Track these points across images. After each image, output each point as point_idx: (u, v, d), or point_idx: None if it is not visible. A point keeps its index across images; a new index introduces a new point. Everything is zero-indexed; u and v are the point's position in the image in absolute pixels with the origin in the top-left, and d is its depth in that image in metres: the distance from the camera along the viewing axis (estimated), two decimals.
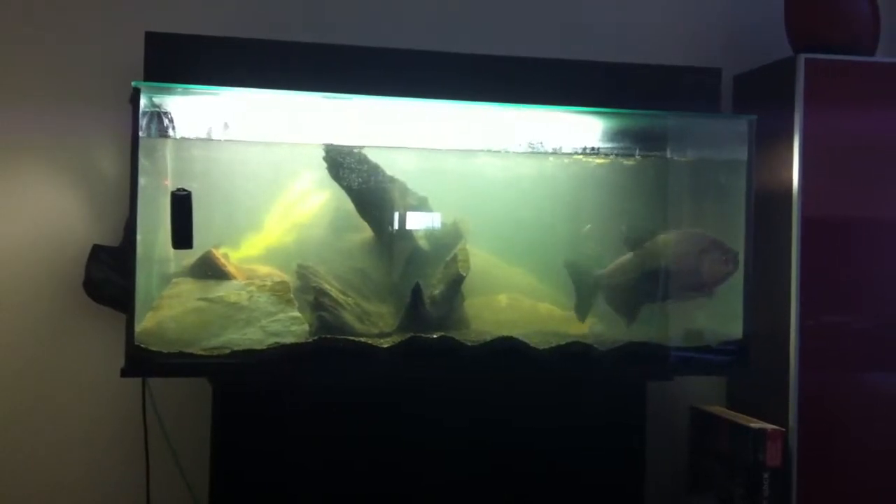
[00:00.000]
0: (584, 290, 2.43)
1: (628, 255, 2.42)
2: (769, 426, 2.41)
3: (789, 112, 2.47)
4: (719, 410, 2.62)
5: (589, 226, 2.46)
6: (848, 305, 2.49)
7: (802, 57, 2.47)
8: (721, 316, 2.38)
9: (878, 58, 2.62)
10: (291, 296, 2.19)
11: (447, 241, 2.34)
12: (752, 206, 2.35)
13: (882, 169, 2.51)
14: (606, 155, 2.44)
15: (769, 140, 2.47)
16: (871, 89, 2.54)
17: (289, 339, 2.10)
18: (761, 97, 2.63)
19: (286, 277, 2.24)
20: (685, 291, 2.37)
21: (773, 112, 2.50)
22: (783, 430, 2.41)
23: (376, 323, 2.24)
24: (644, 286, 2.39)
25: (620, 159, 2.46)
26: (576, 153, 2.43)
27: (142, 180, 2.05)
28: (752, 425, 2.43)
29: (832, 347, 2.47)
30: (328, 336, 2.11)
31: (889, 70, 2.57)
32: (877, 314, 2.50)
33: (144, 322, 2.08)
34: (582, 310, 2.43)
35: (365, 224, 2.34)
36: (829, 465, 2.46)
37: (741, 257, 2.31)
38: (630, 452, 2.40)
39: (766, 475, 2.39)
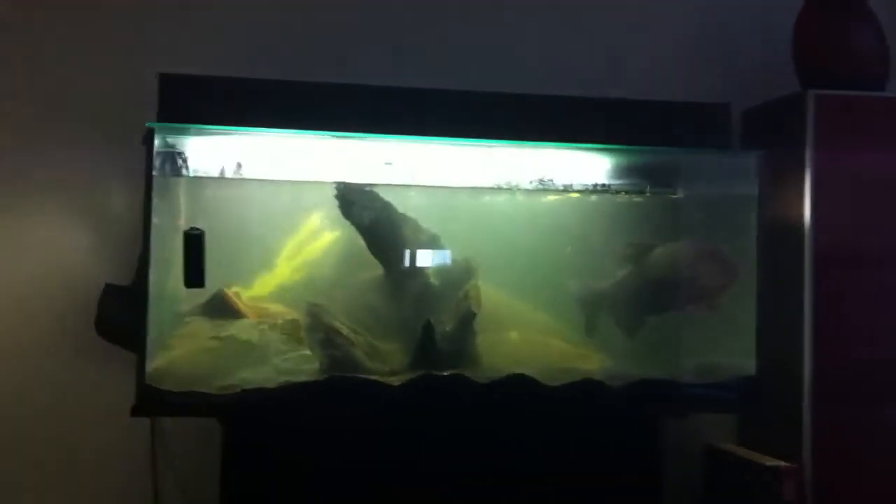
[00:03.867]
0: (590, 309, 2.46)
1: (629, 269, 2.42)
2: (783, 464, 2.39)
3: (800, 147, 2.47)
4: (733, 448, 2.60)
5: (569, 248, 2.47)
6: (861, 340, 2.47)
7: (812, 92, 2.47)
8: (734, 351, 2.37)
9: (889, 93, 2.62)
10: (302, 334, 2.19)
11: (458, 278, 2.33)
12: (762, 241, 2.35)
13: (893, 202, 2.50)
14: (617, 191, 2.44)
15: (780, 175, 2.47)
16: (882, 124, 2.53)
17: (300, 378, 2.10)
18: (771, 132, 2.63)
19: (297, 316, 2.24)
20: (685, 304, 2.37)
21: (783, 147, 2.50)
22: (798, 467, 2.39)
23: (387, 360, 2.23)
24: (645, 299, 2.40)
25: (631, 195, 2.46)
26: (586, 190, 2.43)
27: (154, 219, 2.07)
28: (767, 463, 2.41)
29: (846, 383, 2.44)
30: (339, 374, 2.11)
31: None
32: (890, 348, 2.48)
33: (156, 361, 2.09)
34: (590, 328, 2.45)
35: (376, 262, 2.34)
36: (846, 502, 2.43)
37: (753, 269, 2.32)
38: (644, 491, 2.38)
39: None
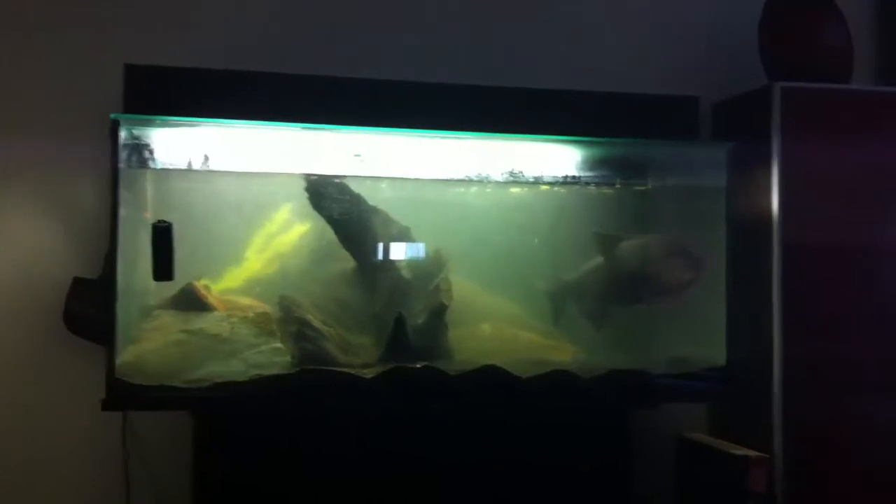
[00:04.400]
0: (554, 297, 2.48)
1: (596, 261, 2.43)
2: (752, 453, 2.41)
3: (767, 139, 2.48)
4: (704, 438, 2.62)
5: (537, 240, 2.49)
6: (830, 331, 2.49)
7: (777, 84, 2.49)
8: (705, 342, 2.39)
9: (853, 85, 2.65)
10: (274, 327, 2.18)
11: (430, 271, 2.33)
12: (731, 234, 2.37)
13: (860, 194, 2.53)
14: (587, 183, 2.45)
15: (748, 167, 2.49)
16: (847, 116, 2.56)
17: (271, 371, 2.08)
18: (739, 125, 2.65)
19: (268, 308, 2.23)
20: (650, 297, 2.38)
21: (751, 139, 2.52)
22: (767, 456, 2.41)
23: (359, 353, 2.23)
24: (611, 291, 2.42)
25: (601, 188, 2.47)
26: (556, 182, 2.44)
27: (122, 212, 2.04)
28: (736, 452, 2.43)
29: (816, 373, 2.46)
30: (311, 367, 2.10)
31: (864, 97, 2.60)
32: (859, 339, 2.51)
33: (125, 355, 2.06)
34: (556, 316, 2.47)
35: (347, 254, 2.33)
36: (815, 492, 2.45)
37: (722, 261, 2.34)
38: (614, 482, 2.40)
39: (751, 503, 2.38)
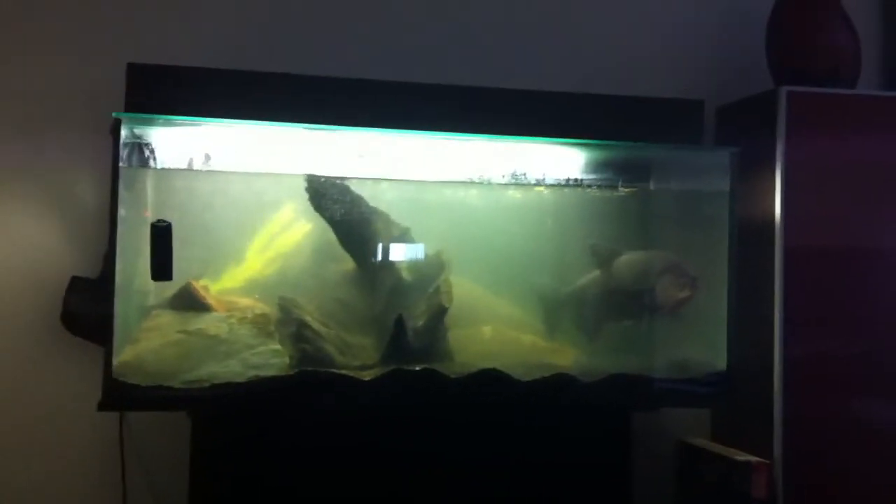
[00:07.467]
0: (551, 309, 2.45)
1: (593, 274, 2.42)
2: (754, 458, 2.39)
3: (771, 143, 2.47)
4: (705, 443, 2.60)
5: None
6: (832, 334, 2.48)
7: (783, 89, 2.48)
8: (706, 346, 2.37)
9: (860, 90, 2.64)
10: (272, 328, 2.16)
11: (430, 273, 2.32)
12: (734, 237, 2.35)
13: (863, 198, 2.52)
14: (589, 186, 2.44)
15: (752, 171, 2.48)
16: (853, 121, 2.55)
17: (269, 372, 2.07)
18: (744, 129, 2.63)
19: (267, 309, 2.22)
20: (644, 313, 2.38)
21: (755, 143, 2.51)
22: (768, 462, 2.40)
23: (358, 355, 2.22)
24: (606, 305, 2.41)
25: (603, 190, 2.46)
26: (559, 184, 2.43)
27: (121, 211, 2.04)
28: (737, 458, 2.41)
29: (817, 377, 2.45)
30: (309, 368, 2.09)
31: (870, 102, 2.59)
32: (862, 343, 2.49)
33: (123, 355, 2.06)
34: (550, 327, 2.44)
35: (347, 255, 2.32)
36: (817, 496, 2.44)
37: (727, 283, 2.33)
38: (616, 486, 2.38)
39: None
